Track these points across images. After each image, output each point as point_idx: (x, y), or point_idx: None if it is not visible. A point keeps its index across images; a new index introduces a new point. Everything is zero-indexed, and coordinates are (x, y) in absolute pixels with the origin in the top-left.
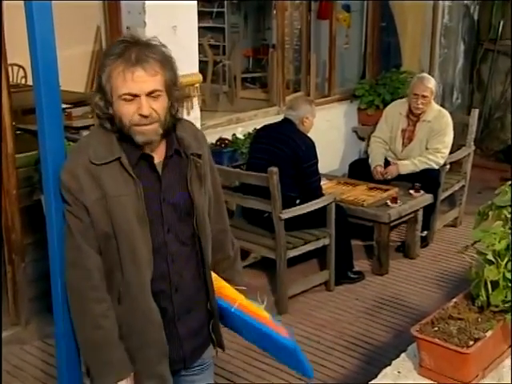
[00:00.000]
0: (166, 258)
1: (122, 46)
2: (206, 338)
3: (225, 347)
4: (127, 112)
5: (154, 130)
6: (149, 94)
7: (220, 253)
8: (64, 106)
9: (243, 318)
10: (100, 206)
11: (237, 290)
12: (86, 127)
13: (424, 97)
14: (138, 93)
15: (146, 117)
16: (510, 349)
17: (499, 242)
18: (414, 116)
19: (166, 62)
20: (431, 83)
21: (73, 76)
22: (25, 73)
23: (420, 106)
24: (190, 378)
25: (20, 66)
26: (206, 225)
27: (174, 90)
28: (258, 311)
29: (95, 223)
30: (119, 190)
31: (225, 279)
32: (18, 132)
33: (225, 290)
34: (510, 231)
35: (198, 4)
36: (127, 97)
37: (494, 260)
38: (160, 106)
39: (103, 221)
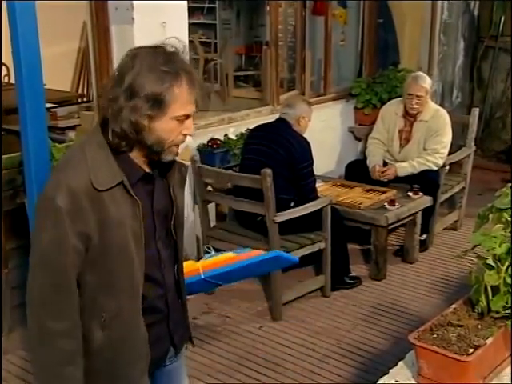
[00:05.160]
0: (160, 265)
1: (174, 59)
2: (186, 329)
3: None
4: (174, 132)
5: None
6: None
7: None
8: (48, 105)
9: (219, 272)
10: (98, 229)
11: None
12: (72, 127)
13: (418, 97)
14: (191, 113)
15: (189, 135)
16: (511, 356)
17: (499, 246)
18: (410, 116)
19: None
20: (426, 82)
21: (58, 74)
22: (8, 71)
23: (415, 106)
24: (170, 366)
25: (3, 64)
26: (183, 223)
27: None
28: (222, 259)
29: (89, 247)
30: (119, 212)
31: None
32: (2, 132)
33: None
34: (510, 235)
35: None
36: (182, 117)
37: (494, 265)
38: None
39: (98, 244)
